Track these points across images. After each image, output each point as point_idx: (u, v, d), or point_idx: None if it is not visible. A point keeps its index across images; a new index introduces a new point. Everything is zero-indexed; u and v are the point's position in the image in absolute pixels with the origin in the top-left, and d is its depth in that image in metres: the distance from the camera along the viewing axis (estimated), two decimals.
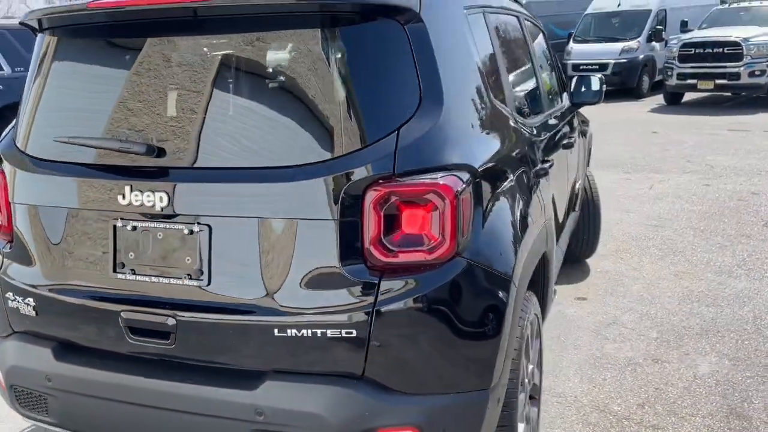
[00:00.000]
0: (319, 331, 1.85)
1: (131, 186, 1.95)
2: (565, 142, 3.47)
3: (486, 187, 2.00)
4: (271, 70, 1.94)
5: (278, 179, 1.85)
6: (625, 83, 15.86)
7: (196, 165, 1.93)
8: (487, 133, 2.18)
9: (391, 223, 1.82)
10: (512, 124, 2.44)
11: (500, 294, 1.96)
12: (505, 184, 2.14)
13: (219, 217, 1.91)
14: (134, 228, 2.00)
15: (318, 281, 1.86)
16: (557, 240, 3.34)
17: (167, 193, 1.92)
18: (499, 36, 2.64)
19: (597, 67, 15.83)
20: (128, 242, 2.01)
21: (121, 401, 2.01)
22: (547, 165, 2.78)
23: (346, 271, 1.84)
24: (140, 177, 1.96)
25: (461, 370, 1.92)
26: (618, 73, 15.74)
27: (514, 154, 2.34)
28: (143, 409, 1.99)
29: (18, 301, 2.20)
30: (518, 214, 2.18)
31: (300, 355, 1.88)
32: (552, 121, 3.31)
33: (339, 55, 1.89)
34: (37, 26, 2.20)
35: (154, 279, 1.99)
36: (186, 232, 1.94)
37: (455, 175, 1.86)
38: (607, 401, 3.17)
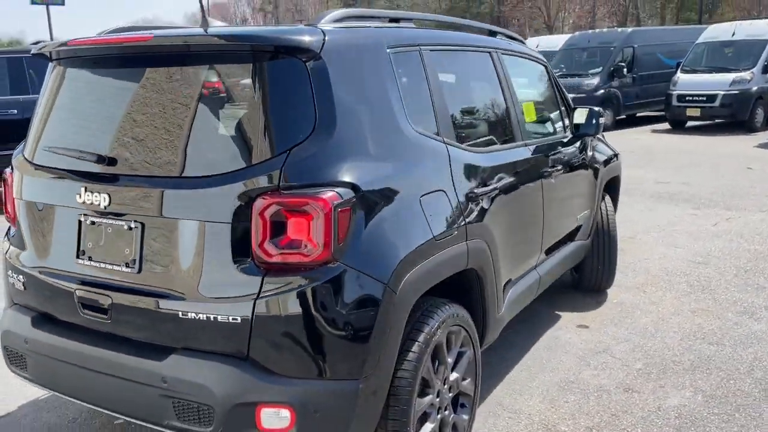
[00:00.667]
0: (213, 316, 2.20)
1: (86, 187, 2.42)
2: (546, 170, 3.62)
3: (373, 203, 2.28)
4: (194, 97, 2.33)
5: (191, 187, 2.24)
6: (735, 116, 15.11)
7: (134, 173, 2.36)
8: (391, 157, 2.45)
9: (277, 228, 2.15)
10: (438, 150, 2.69)
11: (372, 297, 2.23)
12: (401, 202, 2.40)
13: (149, 217, 2.32)
14: (93, 222, 2.46)
15: (217, 274, 2.22)
16: (521, 263, 3.48)
17: (108, 195, 2.37)
18: (443, 71, 2.90)
19: (704, 98, 15.22)
20: (88, 234, 2.47)
21: (72, 364, 2.46)
22: (493, 189, 2.98)
23: (238, 267, 2.19)
24: (93, 180, 2.42)
25: (331, 360, 2.20)
26: (727, 105, 15.01)
27: (428, 176, 2.59)
28: (87, 371, 2.43)
29: (14, 278, 2.73)
30: (414, 229, 2.43)
31: (199, 335, 2.24)
32: (525, 151, 3.49)
33: (249, 86, 2.26)
34: (48, 56, 2.74)
35: (102, 265, 2.44)
36: (126, 228, 2.37)
37: (336, 191, 2.16)
38: (557, 422, 3.27)
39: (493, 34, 3.75)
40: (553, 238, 3.91)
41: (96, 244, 2.46)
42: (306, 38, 2.28)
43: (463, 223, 2.72)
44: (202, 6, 2.66)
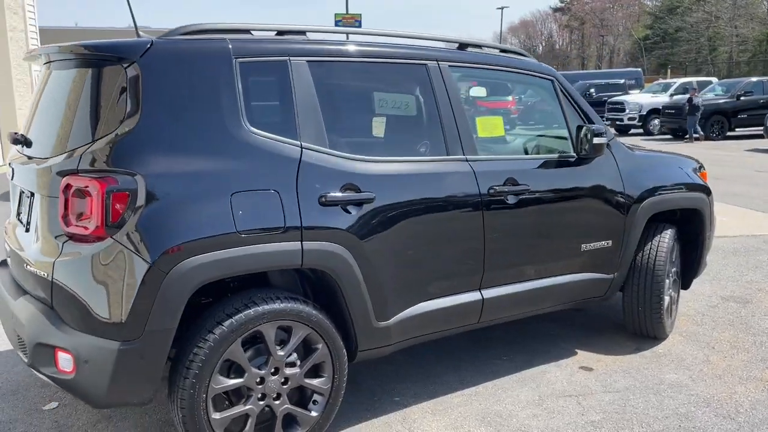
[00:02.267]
0: (37, 271, 2.73)
1: (9, 163, 3.14)
2: (499, 188, 3.42)
3: (160, 192, 2.56)
4: (60, 94, 2.89)
5: (40, 166, 2.80)
6: None
7: (27, 153, 3.01)
8: (205, 154, 2.70)
9: (72, 204, 2.60)
10: (284, 153, 2.85)
11: (136, 273, 2.52)
12: (198, 194, 2.63)
13: (33, 189, 2.94)
14: (22, 192, 3.17)
15: (45, 237, 2.75)
16: (439, 280, 3.33)
17: (13, 169, 3.06)
18: (330, 80, 3.05)
19: None
20: (20, 199, 3.20)
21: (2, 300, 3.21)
22: (373, 198, 3.00)
23: (53, 233, 2.69)
24: (15, 158, 3.14)
25: (96, 320, 2.55)
26: None
27: (255, 175, 2.76)
28: (3, 305, 3.14)
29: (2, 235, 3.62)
30: (207, 220, 2.62)
31: (35, 285, 2.80)
32: (463, 165, 3.34)
33: (87, 86, 2.74)
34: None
35: (20, 225, 3.14)
36: (26, 196, 3.03)
37: (114, 177, 2.53)
38: None
39: (463, 46, 3.66)
40: (520, 261, 3.62)
41: (21, 207, 3.17)
42: (126, 47, 2.68)
43: (297, 223, 2.82)
44: (134, 20, 3.19)
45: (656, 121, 22.86)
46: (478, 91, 4.71)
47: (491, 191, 3.42)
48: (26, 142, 3.10)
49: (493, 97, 5.55)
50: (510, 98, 6.80)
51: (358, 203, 2.99)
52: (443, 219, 3.30)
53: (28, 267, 2.81)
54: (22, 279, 2.97)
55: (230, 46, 2.87)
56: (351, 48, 3.20)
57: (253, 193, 2.77)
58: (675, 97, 22.84)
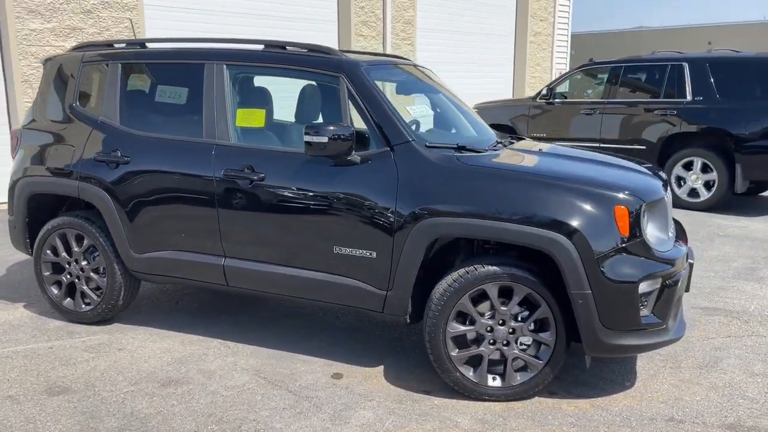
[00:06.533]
0: None
1: None
2: (235, 172, 3.84)
3: (25, 143, 4.52)
4: None
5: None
6: None
7: None
8: (48, 123, 4.45)
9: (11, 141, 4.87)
10: (86, 124, 4.29)
11: (10, 180, 4.57)
12: (36, 145, 4.42)
13: None
14: None
15: None
16: (178, 235, 4.10)
17: None
18: (133, 76, 4.28)
19: None
20: None
21: None
22: (129, 161, 4.14)
23: None
24: None
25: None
26: None
27: (62, 137, 4.34)
28: None
29: None
30: (36, 160, 4.40)
31: None
32: (207, 147, 3.95)
33: None
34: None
35: None
36: None
37: (17, 130, 4.65)
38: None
39: (268, 47, 4.03)
40: (259, 243, 3.87)
41: None
42: (44, 58, 4.69)
43: (77, 168, 4.26)
44: (132, 26, 5.10)
45: None
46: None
47: (225, 173, 3.92)
48: None
49: None
50: None
51: (116, 163, 4.22)
52: (180, 189, 4.03)
53: None
54: None
55: (82, 55, 4.54)
56: (149, 52, 4.34)
57: (62, 146, 4.41)
58: None
